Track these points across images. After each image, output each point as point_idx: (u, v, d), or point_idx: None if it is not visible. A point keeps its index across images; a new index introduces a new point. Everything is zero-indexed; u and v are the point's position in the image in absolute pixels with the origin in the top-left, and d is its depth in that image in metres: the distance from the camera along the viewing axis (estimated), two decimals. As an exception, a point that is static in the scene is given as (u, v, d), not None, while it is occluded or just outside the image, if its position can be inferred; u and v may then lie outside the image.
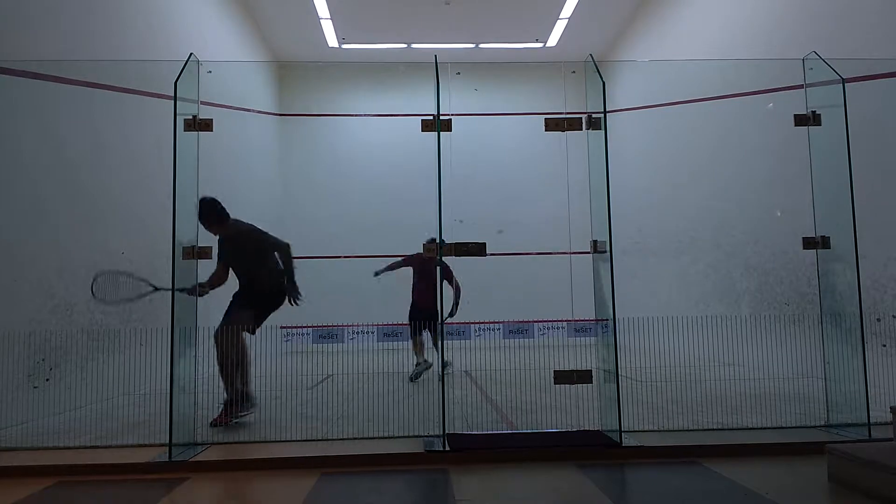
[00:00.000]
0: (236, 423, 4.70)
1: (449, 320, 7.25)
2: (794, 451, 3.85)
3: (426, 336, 7.29)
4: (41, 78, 5.31)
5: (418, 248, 4.30)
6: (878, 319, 5.71)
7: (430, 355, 7.12)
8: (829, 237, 4.39)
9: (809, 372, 4.63)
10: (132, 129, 6.71)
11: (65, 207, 5.66)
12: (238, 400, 4.77)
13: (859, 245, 4.20)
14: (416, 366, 6.94)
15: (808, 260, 4.80)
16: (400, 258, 7.64)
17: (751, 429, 4.30)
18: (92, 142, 6.07)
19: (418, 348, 7.11)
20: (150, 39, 7.33)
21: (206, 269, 4.22)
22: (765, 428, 4.30)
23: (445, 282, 6.83)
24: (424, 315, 7.25)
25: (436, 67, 4.36)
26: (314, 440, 4.22)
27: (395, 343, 10.97)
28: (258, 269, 5.13)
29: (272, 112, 12.30)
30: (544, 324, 11.86)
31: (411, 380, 6.81)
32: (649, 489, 3.40)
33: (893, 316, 5.70)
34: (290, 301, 5.13)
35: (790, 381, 5.12)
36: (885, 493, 2.96)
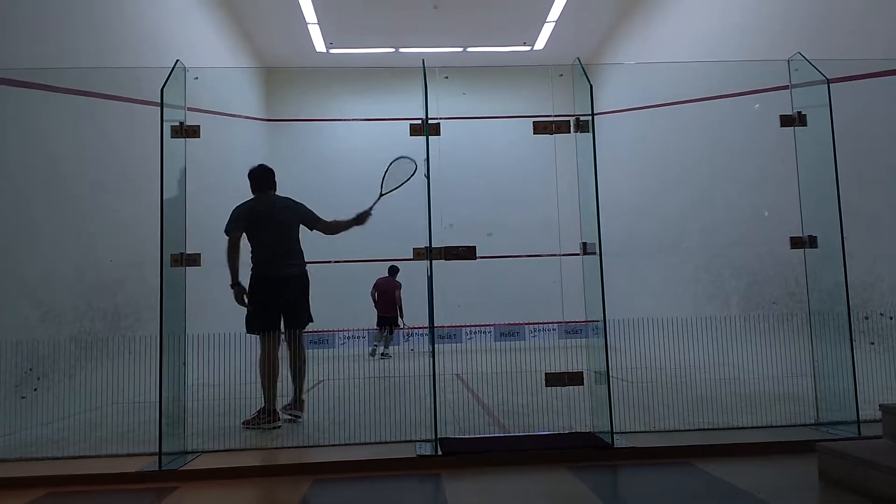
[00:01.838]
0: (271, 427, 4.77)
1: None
2: (784, 449, 3.87)
3: (384, 333, 11.05)
4: (27, 86, 5.27)
5: (408, 253, 4.30)
6: (866, 317, 5.76)
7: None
8: (816, 237, 4.42)
9: (798, 371, 4.66)
10: (119, 137, 6.67)
11: (52, 215, 5.61)
12: (271, 409, 4.83)
13: (846, 244, 4.23)
14: (373, 352, 10.89)
15: (796, 259, 4.83)
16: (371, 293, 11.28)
17: (741, 428, 4.31)
18: (78, 149, 6.03)
19: (378, 339, 11.11)
20: (136, 46, 7.29)
21: (195, 276, 4.19)
22: (755, 427, 4.32)
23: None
24: (386, 320, 11.08)
25: (423, 71, 4.36)
26: (306, 446, 4.20)
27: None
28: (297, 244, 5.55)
29: (260, 117, 12.26)
30: (535, 326, 11.89)
31: (371, 354, 10.88)
32: (641, 490, 3.41)
33: (881, 314, 5.75)
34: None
35: (779, 381, 5.15)
36: (874, 490, 2.98)
